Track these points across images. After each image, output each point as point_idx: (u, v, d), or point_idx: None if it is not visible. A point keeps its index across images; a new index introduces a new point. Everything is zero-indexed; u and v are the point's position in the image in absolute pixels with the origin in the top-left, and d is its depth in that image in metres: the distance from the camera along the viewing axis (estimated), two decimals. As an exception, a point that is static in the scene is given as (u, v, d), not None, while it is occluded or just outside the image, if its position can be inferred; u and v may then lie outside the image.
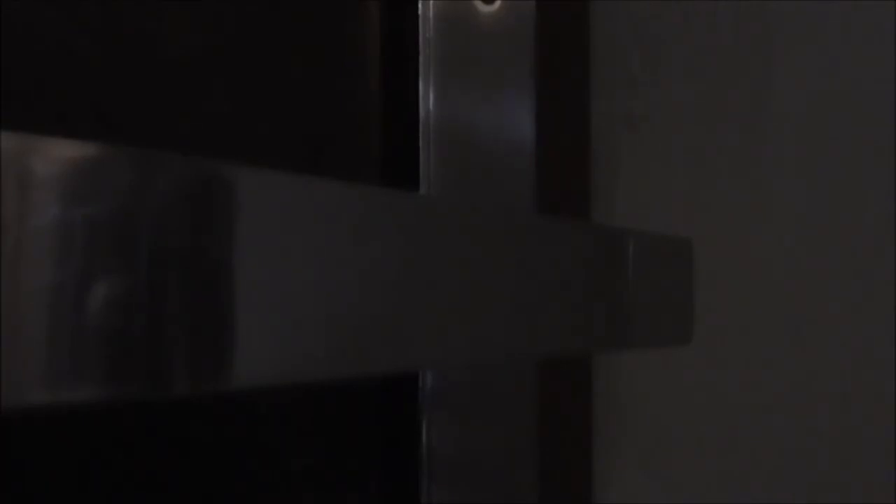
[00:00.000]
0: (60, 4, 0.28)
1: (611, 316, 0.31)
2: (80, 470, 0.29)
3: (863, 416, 0.55)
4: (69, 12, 0.28)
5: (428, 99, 0.35)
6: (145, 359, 0.17)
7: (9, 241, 0.15)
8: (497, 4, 0.37)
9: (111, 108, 0.29)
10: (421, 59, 0.35)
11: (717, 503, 0.50)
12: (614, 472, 0.46)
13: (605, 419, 0.45)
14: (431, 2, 0.35)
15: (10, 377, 0.15)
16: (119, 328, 0.16)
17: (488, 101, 0.37)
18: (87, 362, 0.16)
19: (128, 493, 0.29)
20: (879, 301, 0.56)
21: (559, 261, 0.28)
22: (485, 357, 0.28)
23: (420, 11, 0.35)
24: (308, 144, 0.33)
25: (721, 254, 0.50)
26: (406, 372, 0.34)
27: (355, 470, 0.35)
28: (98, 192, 0.16)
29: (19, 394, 0.15)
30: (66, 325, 0.16)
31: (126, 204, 0.16)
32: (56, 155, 0.16)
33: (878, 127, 0.55)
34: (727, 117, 0.50)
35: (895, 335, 0.55)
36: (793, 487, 0.53)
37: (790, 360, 0.53)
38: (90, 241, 0.16)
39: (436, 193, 0.35)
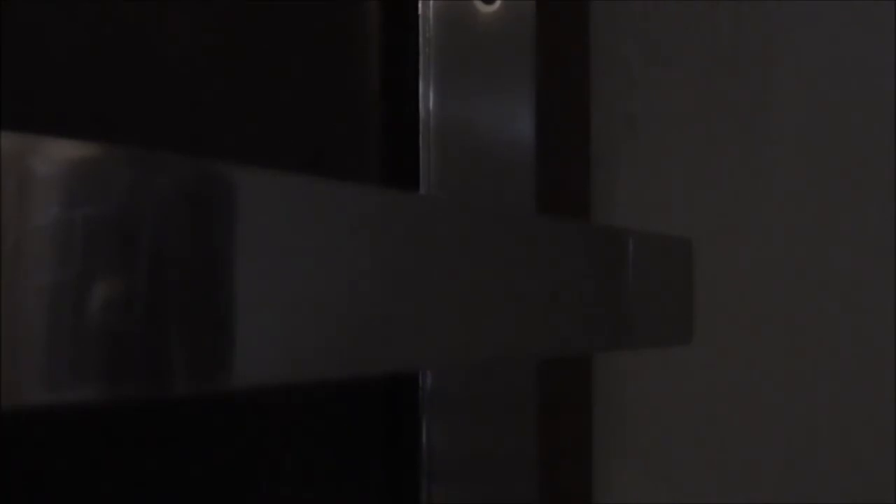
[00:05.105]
0: (60, 4, 0.28)
1: (611, 316, 0.31)
2: (77, 469, 0.29)
3: (863, 416, 0.55)
4: (69, 12, 0.28)
5: (428, 99, 0.35)
6: (145, 359, 0.17)
7: (9, 241, 0.15)
8: (497, 4, 0.37)
9: (111, 108, 0.29)
10: (421, 59, 0.35)
11: (717, 503, 0.50)
12: (614, 472, 0.46)
13: (605, 419, 0.45)
14: (431, 2, 0.35)
15: (10, 377, 0.15)
16: (119, 328, 0.16)
17: (488, 101, 0.37)
18: (87, 362, 0.16)
19: (128, 493, 0.29)
20: (879, 301, 0.56)
21: (559, 261, 0.28)
22: (485, 357, 0.28)
23: (420, 11, 0.35)
24: (308, 144, 0.33)
25: (721, 254, 0.50)
26: (406, 372, 0.34)
27: (355, 470, 0.35)
28: (98, 192, 0.16)
29: (19, 394, 0.15)
30: (66, 325, 0.16)
31: (126, 204, 0.16)
32: (56, 155, 0.16)
33: (878, 127, 0.55)
34: (727, 117, 0.50)
35: (895, 335, 0.55)
36: (793, 487, 0.53)
37: (790, 359, 0.53)
38: (90, 241, 0.16)
39: (436, 193, 0.35)
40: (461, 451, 0.36)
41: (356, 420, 0.35)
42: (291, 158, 0.33)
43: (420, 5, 0.35)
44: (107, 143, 0.16)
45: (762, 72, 0.51)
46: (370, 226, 0.22)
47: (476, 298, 0.25)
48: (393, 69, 0.35)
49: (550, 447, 0.41)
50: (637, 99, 0.47)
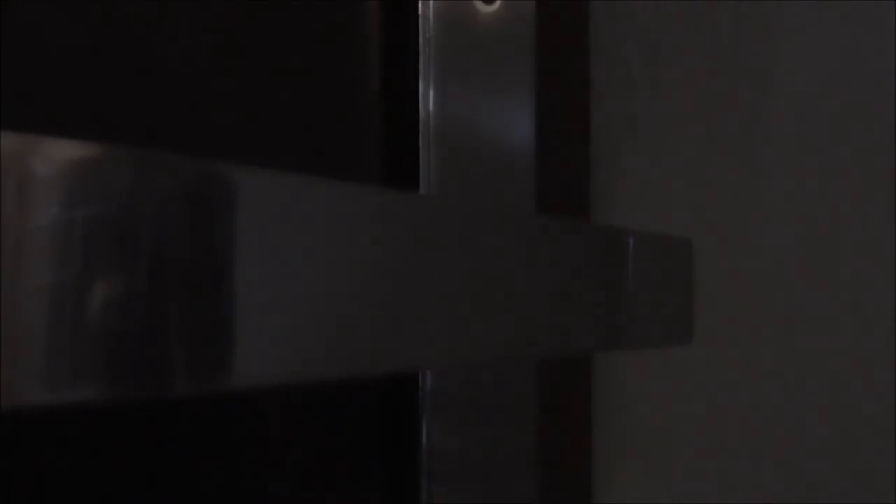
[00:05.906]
0: (60, 4, 0.28)
1: (611, 316, 0.31)
2: (77, 469, 0.29)
3: (863, 416, 0.55)
4: (69, 12, 0.28)
5: (428, 99, 0.35)
6: (145, 359, 0.17)
7: (9, 241, 0.15)
8: (497, 4, 0.37)
9: (111, 108, 0.29)
10: (421, 59, 0.35)
11: (717, 503, 0.50)
12: (614, 472, 0.46)
13: (605, 419, 0.45)
14: (431, 2, 0.35)
15: (10, 377, 0.15)
16: (119, 328, 0.16)
17: (488, 101, 0.37)
18: (87, 362, 0.16)
19: (128, 493, 0.29)
20: (879, 301, 0.56)
21: (559, 261, 0.28)
22: (485, 357, 0.28)
23: (420, 11, 0.35)
24: (308, 144, 0.33)
25: (721, 254, 0.50)
26: (406, 372, 0.34)
27: (355, 470, 0.35)
28: (98, 192, 0.16)
29: (19, 394, 0.15)
30: (66, 325, 0.16)
31: (126, 204, 0.16)
32: (56, 155, 0.16)
33: (878, 127, 0.55)
34: (727, 117, 0.50)
35: (895, 335, 0.55)
36: (793, 487, 0.53)
37: (790, 359, 0.53)
38: (90, 241, 0.16)
39: (436, 193, 0.35)
40: (461, 451, 0.36)
41: (356, 420, 0.35)
42: (291, 158, 0.33)
43: (420, 5, 0.35)
44: (107, 143, 0.16)
45: (762, 72, 0.51)
46: (370, 226, 0.22)
47: (476, 298, 0.25)
48: (393, 69, 0.35)
49: (550, 447, 0.41)
50: (637, 99, 0.47)
